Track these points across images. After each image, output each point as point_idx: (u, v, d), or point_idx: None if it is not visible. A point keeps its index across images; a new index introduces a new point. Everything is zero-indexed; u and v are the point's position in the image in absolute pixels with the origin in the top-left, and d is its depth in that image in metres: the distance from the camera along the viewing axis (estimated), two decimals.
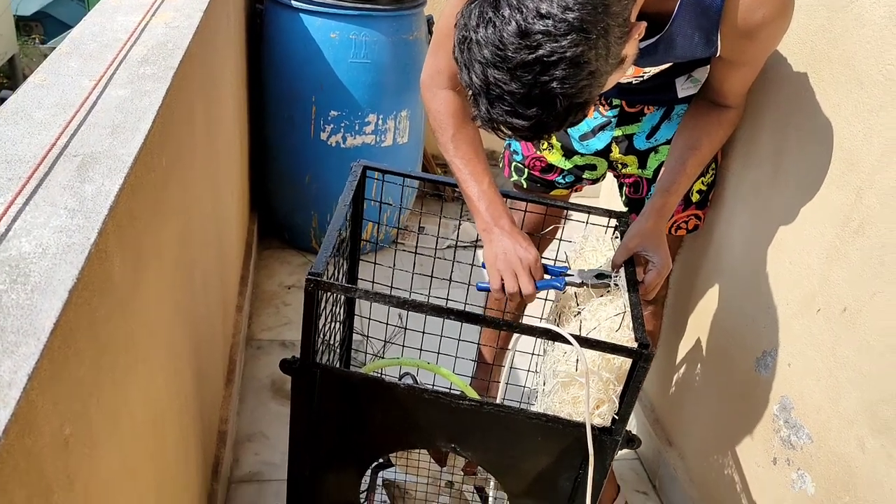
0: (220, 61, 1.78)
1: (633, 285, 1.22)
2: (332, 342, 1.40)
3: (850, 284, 1.29)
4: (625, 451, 1.86)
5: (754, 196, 1.57)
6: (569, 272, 1.28)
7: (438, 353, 1.50)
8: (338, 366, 1.58)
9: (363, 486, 1.42)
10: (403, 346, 1.72)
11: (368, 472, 1.49)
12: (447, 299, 1.53)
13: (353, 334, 1.72)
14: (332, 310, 1.33)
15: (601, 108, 1.53)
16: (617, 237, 1.37)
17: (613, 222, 1.38)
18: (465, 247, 2.81)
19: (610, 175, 1.69)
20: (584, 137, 1.57)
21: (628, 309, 1.17)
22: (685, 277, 1.85)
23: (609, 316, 1.21)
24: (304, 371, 1.18)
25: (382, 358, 2.21)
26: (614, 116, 1.52)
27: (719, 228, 1.69)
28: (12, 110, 0.94)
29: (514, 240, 1.27)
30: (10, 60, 4.96)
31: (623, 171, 1.60)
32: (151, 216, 1.01)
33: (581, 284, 1.27)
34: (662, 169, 1.39)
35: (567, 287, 1.28)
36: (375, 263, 1.62)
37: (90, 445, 0.75)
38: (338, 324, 1.46)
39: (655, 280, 1.25)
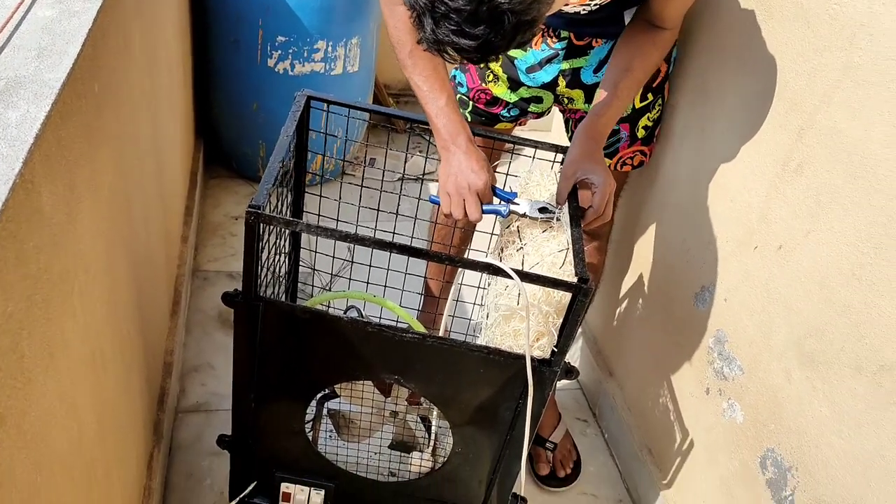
0: None
1: (576, 221, 1.23)
2: (278, 275, 1.39)
3: (786, 223, 1.32)
4: (567, 381, 1.91)
5: (700, 133, 1.58)
6: (516, 200, 1.29)
7: (385, 286, 1.51)
8: (284, 299, 1.58)
9: (309, 416, 1.44)
10: (350, 279, 1.72)
11: (314, 402, 1.50)
12: (394, 233, 1.53)
13: (302, 267, 1.71)
14: (276, 242, 1.32)
15: (549, 40, 1.50)
16: None
17: (560, 157, 1.37)
18: (413, 180, 2.79)
19: (556, 110, 1.69)
20: (531, 70, 1.55)
21: (571, 245, 1.19)
22: (630, 213, 1.88)
23: (552, 251, 1.22)
24: (246, 304, 1.17)
25: (329, 291, 2.22)
26: (562, 49, 1.50)
27: (665, 165, 1.71)
28: None
29: (468, 161, 1.27)
30: None
31: (569, 105, 1.60)
32: (84, 145, 0.97)
33: (523, 215, 1.28)
34: (597, 91, 1.38)
35: (510, 215, 1.29)
36: (321, 196, 1.59)
37: (23, 381, 0.74)
38: (283, 256, 1.44)
39: (601, 201, 1.25)
